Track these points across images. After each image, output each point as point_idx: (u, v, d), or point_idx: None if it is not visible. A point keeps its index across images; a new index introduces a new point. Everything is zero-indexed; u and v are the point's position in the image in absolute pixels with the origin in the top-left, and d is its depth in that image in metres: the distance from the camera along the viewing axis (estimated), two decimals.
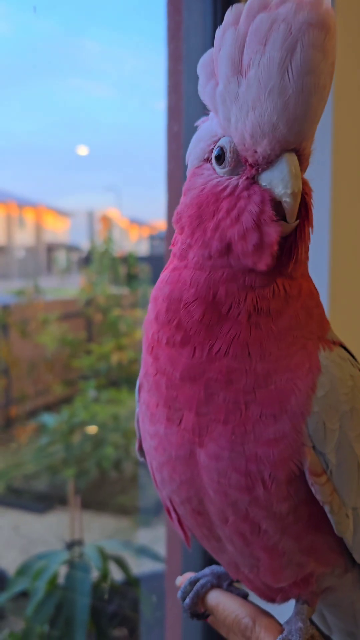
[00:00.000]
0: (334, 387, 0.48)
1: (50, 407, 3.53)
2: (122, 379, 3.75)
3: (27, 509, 3.17)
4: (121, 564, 1.87)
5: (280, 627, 0.54)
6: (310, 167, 0.48)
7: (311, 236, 0.49)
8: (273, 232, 0.44)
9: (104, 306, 4.07)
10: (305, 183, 0.47)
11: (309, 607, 0.55)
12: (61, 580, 1.76)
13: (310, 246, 0.50)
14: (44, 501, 3.19)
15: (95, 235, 4.75)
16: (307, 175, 0.49)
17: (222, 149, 0.47)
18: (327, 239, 1.07)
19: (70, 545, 1.89)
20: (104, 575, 1.79)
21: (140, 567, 2.16)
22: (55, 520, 3.09)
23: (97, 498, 3.18)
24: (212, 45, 1.20)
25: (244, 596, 0.60)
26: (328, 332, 0.52)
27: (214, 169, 0.49)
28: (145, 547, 2.16)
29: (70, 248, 5.41)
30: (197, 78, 1.25)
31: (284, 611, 0.58)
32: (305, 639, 0.52)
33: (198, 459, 0.50)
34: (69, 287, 4.90)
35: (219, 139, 0.48)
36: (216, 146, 0.48)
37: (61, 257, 5.18)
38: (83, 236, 5.16)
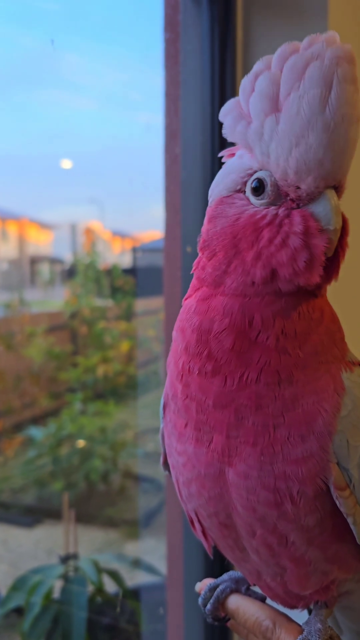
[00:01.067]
0: (356, 406, 0.51)
1: (36, 420, 3.52)
2: (108, 392, 3.76)
3: (15, 523, 3.15)
4: (116, 577, 1.88)
5: (299, 628, 0.56)
6: None
7: None
8: (320, 243, 0.46)
9: (89, 319, 4.07)
10: None
11: (327, 609, 0.58)
12: (56, 594, 1.76)
13: None
14: (32, 515, 3.17)
15: (79, 247, 4.76)
16: None
17: (260, 181, 0.48)
18: None
19: (65, 559, 1.89)
20: (100, 588, 1.80)
21: (132, 579, 2.17)
22: (44, 534, 3.08)
23: (86, 511, 3.17)
24: (210, 70, 1.23)
25: (262, 599, 0.63)
26: (348, 354, 0.55)
27: (247, 199, 0.50)
28: (140, 559, 2.17)
29: (54, 260, 5.40)
30: (194, 102, 1.29)
31: (299, 613, 0.61)
32: (324, 639, 0.54)
33: (227, 477, 0.52)
34: (53, 299, 4.89)
35: (255, 172, 0.49)
36: (253, 178, 0.49)
37: (44, 269, 5.18)
38: (66, 249, 5.16)
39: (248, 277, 0.48)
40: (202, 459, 0.53)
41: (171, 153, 1.17)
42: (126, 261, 5.45)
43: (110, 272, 4.47)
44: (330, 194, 0.46)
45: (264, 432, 0.49)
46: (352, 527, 0.52)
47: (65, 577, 1.82)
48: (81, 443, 3.22)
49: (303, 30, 1.07)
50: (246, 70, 1.17)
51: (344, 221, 0.48)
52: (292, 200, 0.47)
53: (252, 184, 0.49)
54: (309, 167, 0.45)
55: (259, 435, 0.49)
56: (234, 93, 1.12)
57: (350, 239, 0.50)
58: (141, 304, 4.03)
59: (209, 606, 0.65)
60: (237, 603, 0.63)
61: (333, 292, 0.54)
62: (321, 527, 0.51)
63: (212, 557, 0.64)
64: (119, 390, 3.77)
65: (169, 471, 0.62)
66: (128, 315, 4.25)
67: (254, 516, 0.51)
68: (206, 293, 0.51)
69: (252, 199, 0.49)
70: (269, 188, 0.48)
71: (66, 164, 3.92)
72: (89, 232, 4.68)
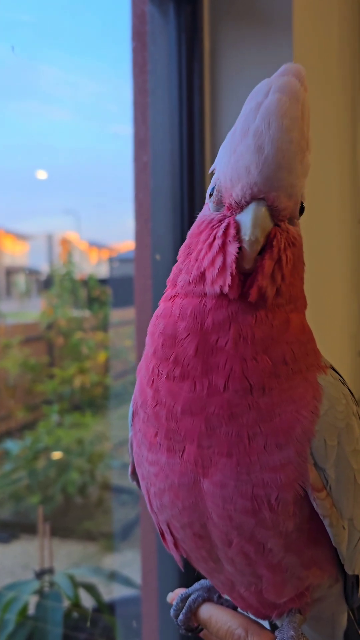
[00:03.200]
0: (332, 405, 0.51)
1: (12, 433, 3.47)
2: (85, 403, 3.72)
3: None
4: (92, 591, 1.85)
5: (272, 636, 0.56)
6: None
7: None
8: (232, 250, 0.46)
9: (66, 329, 4.03)
10: (288, 230, 0.49)
11: (301, 616, 0.57)
12: (32, 610, 1.73)
13: None
14: (8, 530, 3.11)
15: (55, 258, 4.73)
16: None
17: (214, 188, 0.51)
18: None
19: (40, 574, 1.86)
20: (76, 603, 1.77)
21: (110, 593, 2.14)
22: (21, 549, 3.02)
23: (63, 524, 3.12)
24: (178, 79, 1.25)
25: (235, 608, 0.61)
26: (322, 359, 0.55)
27: (208, 206, 0.53)
28: (116, 572, 2.15)
29: (30, 271, 5.36)
30: (162, 110, 1.30)
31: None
32: None
33: (201, 486, 0.50)
34: (29, 310, 4.84)
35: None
36: (210, 185, 0.52)
37: (21, 280, 5.12)
38: (42, 259, 5.13)
39: (188, 275, 0.50)
40: (176, 469, 0.51)
41: (140, 161, 1.17)
42: (103, 272, 5.43)
43: (86, 282, 4.44)
44: (256, 205, 0.46)
45: (239, 442, 0.48)
46: (328, 529, 0.51)
47: (40, 593, 1.78)
48: (58, 455, 3.18)
49: (269, 39, 1.08)
50: (213, 78, 1.18)
51: (273, 241, 0.47)
52: (228, 207, 0.49)
53: (208, 190, 0.52)
54: (239, 175, 0.46)
55: (234, 446, 0.48)
56: (201, 101, 1.13)
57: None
58: (118, 314, 4.00)
59: (181, 616, 0.64)
60: (209, 612, 0.62)
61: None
62: (299, 532, 0.51)
63: (182, 569, 0.63)
64: (96, 401, 3.74)
65: (137, 482, 0.60)
66: (105, 325, 4.23)
67: (231, 525, 0.50)
68: (169, 293, 0.53)
69: (210, 205, 0.52)
70: (214, 194, 0.50)
71: (42, 174, 3.90)
72: (65, 242, 4.66)
